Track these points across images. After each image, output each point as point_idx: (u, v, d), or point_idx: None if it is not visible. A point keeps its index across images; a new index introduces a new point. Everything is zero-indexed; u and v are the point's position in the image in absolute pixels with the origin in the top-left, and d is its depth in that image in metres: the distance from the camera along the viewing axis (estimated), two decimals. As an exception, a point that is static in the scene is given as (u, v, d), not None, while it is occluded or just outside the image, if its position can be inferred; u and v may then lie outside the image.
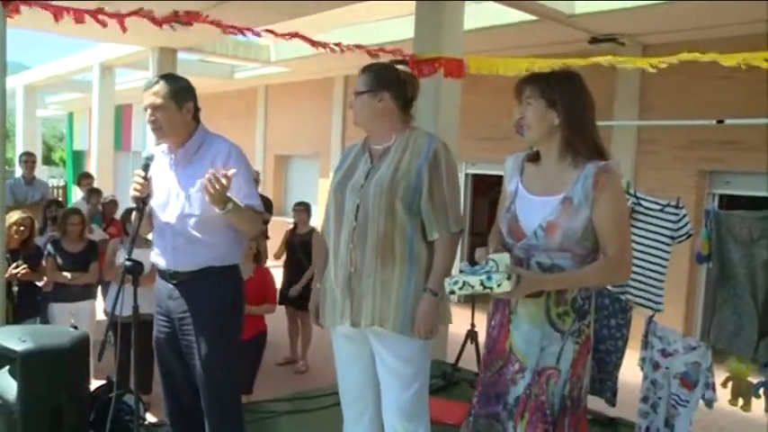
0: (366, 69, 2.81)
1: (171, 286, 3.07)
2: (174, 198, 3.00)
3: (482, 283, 2.20)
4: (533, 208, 2.36)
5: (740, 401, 3.38)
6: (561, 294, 2.31)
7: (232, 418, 3.14)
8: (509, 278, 2.17)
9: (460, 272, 2.32)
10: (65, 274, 5.41)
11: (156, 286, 3.21)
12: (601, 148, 2.34)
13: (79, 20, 4.80)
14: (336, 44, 6.21)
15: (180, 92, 2.98)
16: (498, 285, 2.17)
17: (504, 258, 2.25)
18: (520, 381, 2.34)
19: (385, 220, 2.65)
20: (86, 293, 5.65)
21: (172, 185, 3.04)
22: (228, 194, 2.81)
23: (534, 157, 2.47)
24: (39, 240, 5.78)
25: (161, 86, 2.95)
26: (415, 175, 2.66)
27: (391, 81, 2.76)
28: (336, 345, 2.94)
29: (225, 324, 3.05)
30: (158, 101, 2.93)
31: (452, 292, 2.30)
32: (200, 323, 3.00)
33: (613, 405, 3.71)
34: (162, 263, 3.08)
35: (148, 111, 2.96)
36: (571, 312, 2.32)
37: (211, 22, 5.37)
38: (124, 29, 5.05)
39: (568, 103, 2.31)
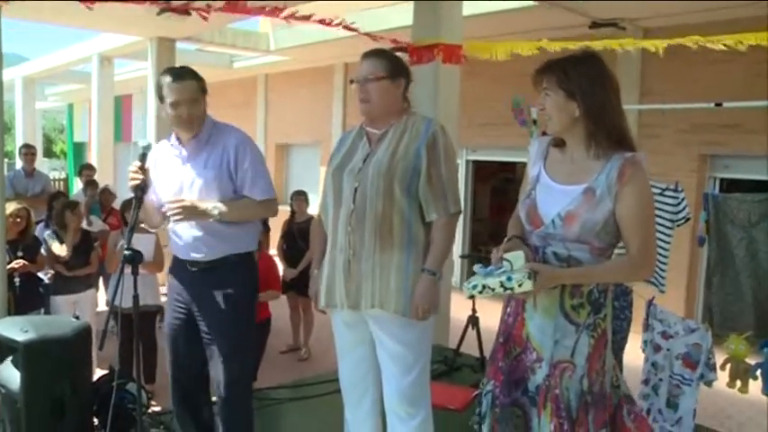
0: (380, 54, 2.79)
1: (189, 274, 3.10)
2: (188, 189, 3.02)
3: (502, 285, 2.14)
4: (554, 196, 2.28)
5: (738, 383, 3.39)
6: (576, 287, 2.23)
7: (244, 403, 3.20)
8: (530, 277, 2.11)
9: (474, 274, 2.27)
10: (61, 251, 5.43)
11: (173, 274, 3.23)
12: (626, 137, 2.22)
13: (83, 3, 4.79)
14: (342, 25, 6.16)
15: (204, 87, 3.07)
16: (519, 285, 2.12)
17: (518, 257, 2.19)
18: (538, 370, 2.31)
19: (383, 203, 2.66)
20: (87, 283, 5.67)
21: (185, 177, 3.05)
22: (203, 204, 2.96)
23: (560, 142, 2.36)
24: (41, 231, 5.81)
25: (192, 82, 3.00)
26: (414, 156, 2.67)
27: (405, 68, 2.83)
28: (336, 331, 2.95)
29: (241, 311, 3.09)
30: (195, 95, 3.00)
31: (472, 296, 2.25)
32: (218, 310, 3.04)
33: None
34: (180, 254, 3.12)
35: (183, 106, 2.97)
36: (586, 305, 2.24)
37: (207, 8, 5.34)
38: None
39: (588, 92, 2.18)
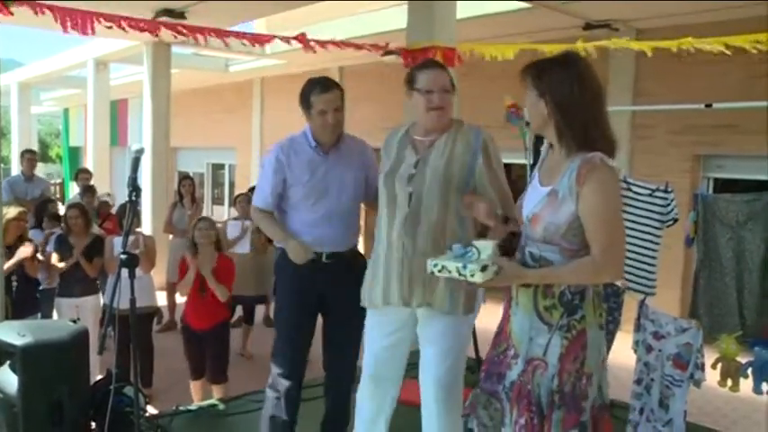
0: (444, 67, 2.96)
1: (323, 264, 3.31)
2: (337, 185, 3.30)
3: (458, 271, 2.24)
4: (533, 197, 2.36)
5: (729, 382, 3.41)
6: (548, 287, 2.27)
7: (352, 380, 3.52)
8: (483, 269, 2.18)
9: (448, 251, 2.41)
10: (56, 264, 5.48)
11: (292, 267, 3.32)
12: (592, 138, 2.23)
13: (74, 25, 4.90)
14: (325, 42, 6.30)
15: (343, 97, 3.32)
16: (471, 275, 2.20)
17: (486, 247, 2.27)
18: (514, 366, 2.36)
19: (439, 208, 2.81)
20: (90, 289, 5.69)
21: (331, 175, 3.31)
22: None
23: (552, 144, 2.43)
24: (34, 235, 5.84)
25: (337, 92, 3.26)
26: (469, 166, 2.83)
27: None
28: (372, 327, 3.09)
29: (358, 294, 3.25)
30: (339, 104, 3.27)
31: (432, 273, 2.36)
32: (352, 295, 3.18)
33: None
34: (321, 248, 3.30)
35: (330, 113, 3.23)
36: (558, 306, 2.26)
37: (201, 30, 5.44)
38: (119, 25, 5.12)
39: (555, 92, 2.23)
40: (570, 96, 2.22)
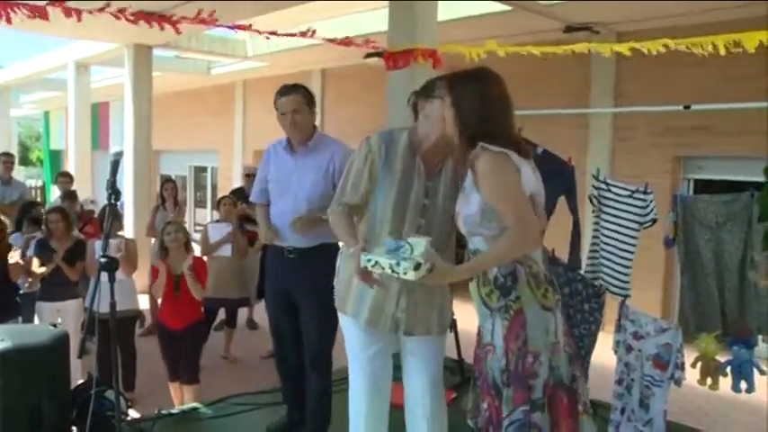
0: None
1: (287, 260, 3.51)
2: (297, 184, 3.48)
3: (391, 267, 2.28)
4: None
5: (708, 381, 3.45)
6: (485, 275, 2.42)
7: (328, 373, 3.68)
8: (416, 268, 2.23)
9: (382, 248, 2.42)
10: (37, 269, 5.44)
11: (269, 263, 3.74)
12: (493, 140, 2.34)
13: (67, 14, 4.86)
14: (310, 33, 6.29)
15: (309, 100, 3.54)
16: (404, 273, 2.25)
17: (419, 244, 2.31)
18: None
19: (443, 239, 2.81)
20: (72, 292, 5.68)
21: (294, 176, 3.51)
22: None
23: None
24: (14, 241, 5.80)
25: (297, 95, 3.48)
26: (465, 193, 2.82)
27: None
28: (354, 335, 2.97)
29: (331, 293, 3.18)
30: (297, 106, 3.46)
31: (365, 268, 2.40)
32: (313, 291, 3.28)
33: None
34: (283, 242, 3.52)
35: (288, 115, 3.46)
36: (495, 290, 2.40)
37: (179, 21, 5.40)
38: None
39: (459, 101, 2.44)
40: (471, 106, 2.40)
